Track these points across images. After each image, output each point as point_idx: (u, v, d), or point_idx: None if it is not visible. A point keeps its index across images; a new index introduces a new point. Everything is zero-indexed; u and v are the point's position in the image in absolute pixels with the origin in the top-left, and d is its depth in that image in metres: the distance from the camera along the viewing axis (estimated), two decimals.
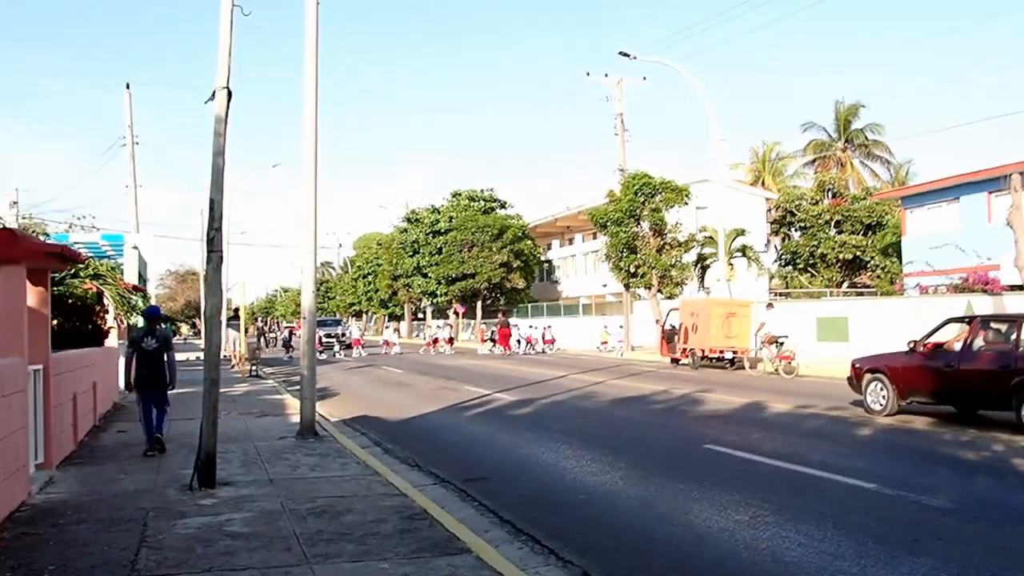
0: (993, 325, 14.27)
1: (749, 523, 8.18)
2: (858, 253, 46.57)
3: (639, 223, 40.17)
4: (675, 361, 32.56)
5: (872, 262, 46.71)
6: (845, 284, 48.10)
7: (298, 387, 24.42)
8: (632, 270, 40.11)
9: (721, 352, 29.52)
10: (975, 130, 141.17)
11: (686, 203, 40.15)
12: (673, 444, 13.24)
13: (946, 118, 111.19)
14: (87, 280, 18.13)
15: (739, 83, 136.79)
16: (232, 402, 20.19)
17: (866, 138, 67.66)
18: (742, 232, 44.67)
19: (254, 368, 29.70)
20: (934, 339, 15.30)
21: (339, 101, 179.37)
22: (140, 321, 22.73)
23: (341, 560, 7.01)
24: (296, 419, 15.82)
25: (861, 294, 42.83)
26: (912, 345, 15.06)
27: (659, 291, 40.48)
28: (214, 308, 10.11)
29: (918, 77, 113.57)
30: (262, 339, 55.27)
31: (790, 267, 51.60)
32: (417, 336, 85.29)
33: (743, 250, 45.01)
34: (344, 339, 54.50)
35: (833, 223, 47.99)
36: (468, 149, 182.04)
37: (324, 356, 45.17)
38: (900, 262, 42.54)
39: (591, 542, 7.80)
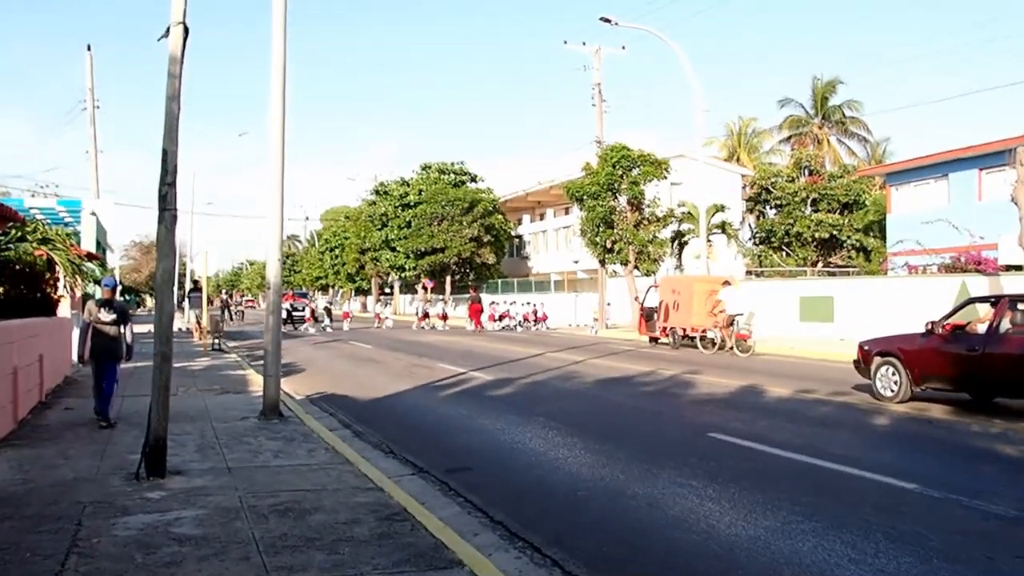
0: (1022, 306, 13.21)
1: (783, 531, 7.11)
2: (835, 232, 45.62)
3: (616, 197, 39.03)
4: (654, 340, 31.54)
5: (848, 241, 45.86)
6: (820, 264, 47.24)
7: (262, 362, 23.38)
8: (608, 246, 38.98)
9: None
10: (954, 109, 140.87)
11: (665, 177, 39.14)
12: (673, 432, 12.14)
13: (925, 94, 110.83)
14: (37, 246, 16.77)
15: (714, 57, 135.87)
16: (192, 377, 18.93)
17: (843, 115, 66.93)
18: (722, 208, 43.73)
19: (216, 342, 28.37)
20: (953, 320, 14.18)
21: (305, 72, 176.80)
22: (98, 291, 21.64)
23: (309, 574, 5.86)
24: (259, 397, 14.67)
25: (847, 273, 41.92)
26: (930, 327, 13.99)
27: (636, 268, 39.42)
28: (166, 274, 8.88)
29: (898, 52, 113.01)
30: (226, 312, 53.70)
31: (763, 245, 50.64)
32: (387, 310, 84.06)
33: (722, 227, 44.03)
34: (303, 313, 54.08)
35: (809, 201, 47.00)
36: (437, 123, 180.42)
37: (314, 330, 44.83)
38: (884, 241, 41.75)
39: (600, 552, 6.73)
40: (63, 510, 7.47)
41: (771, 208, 50.12)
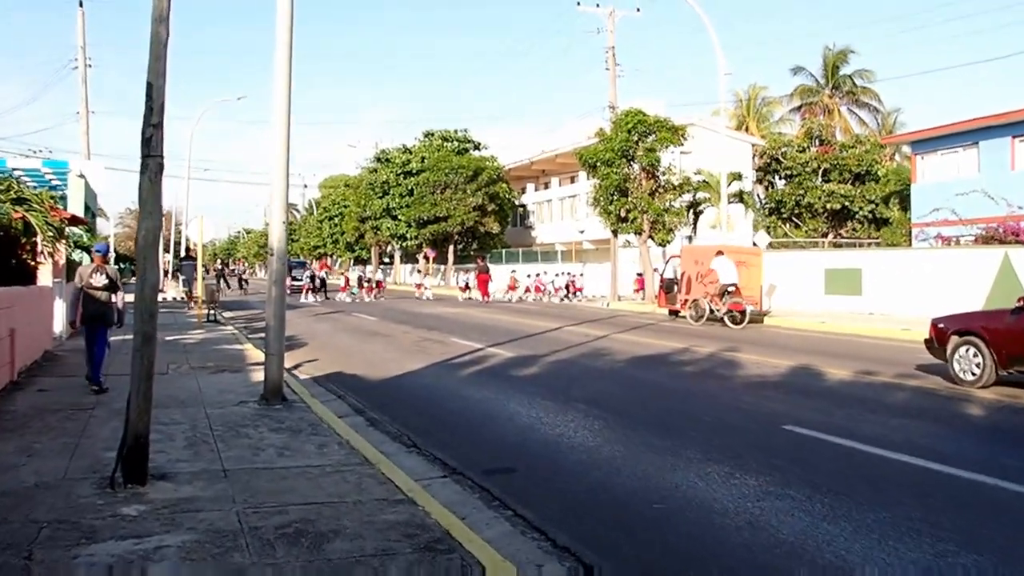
0: None
1: (940, 569, 5.49)
2: (847, 203, 43.96)
3: (631, 164, 37.24)
4: (673, 313, 29.90)
5: (861, 212, 44.21)
6: (830, 235, 45.55)
7: (261, 335, 21.63)
8: (623, 215, 37.25)
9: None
10: (965, 81, 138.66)
11: (682, 143, 37.28)
12: (739, 423, 10.47)
13: (936, 62, 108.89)
14: (12, 207, 15.09)
15: (723, 25, 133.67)
16: (184, 353, 17.26)
17: (854, 84, 65.34)
18: (739, 176, 42.04)
19: (212, 313, 26.69)
20: None
21: (301, 35, 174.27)
22: (86, 258, 20.04)
23: None
24: (259, 377, 13.11)
25: (866, 245, 40.26)
26: (1022, 302, 12.32)
27: (650, 238, 37.72)
28: (149, 235, 7.20)
29: (910, 21, 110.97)
30: (222, 281, 51.93)
31: (773, 216, 48.81)
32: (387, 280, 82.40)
33: (740, 195, 42.27)
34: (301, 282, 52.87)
35: (820, 172, 45.27)
36: (439, 91, 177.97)
37: (349, 299, 43.85)
38: (907, 212, 40.12)
39: None
40: (13, 533, 5.86)
41: (780, 179, 48.49)
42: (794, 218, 46.43)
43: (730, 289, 25.91)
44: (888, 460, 8.40)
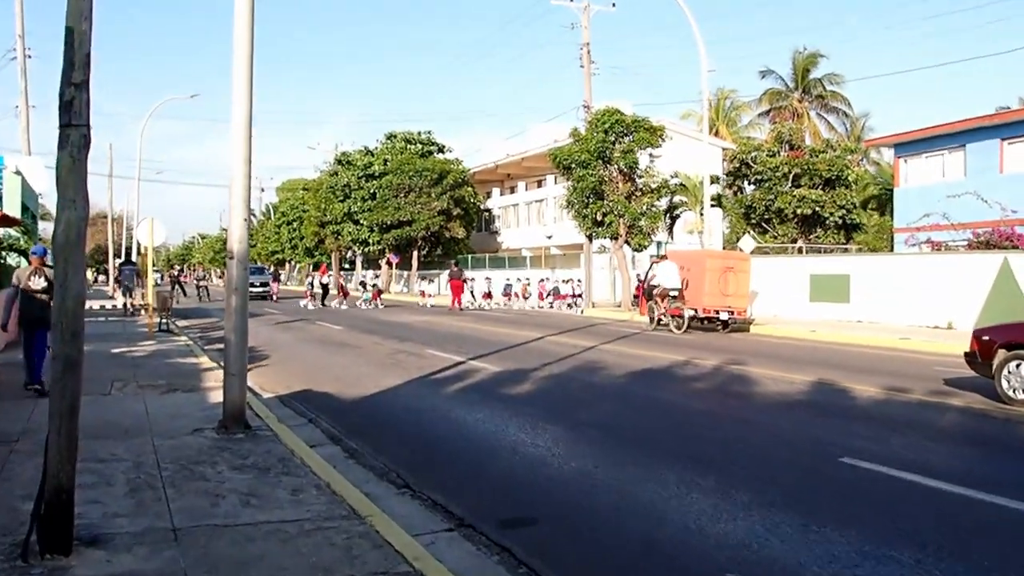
0: None
1: None
2: (817, 208, 42.74)
3: (607, 166, 35.77)
4: (657, 322, 28.44)
5: (832, 218, 43.02)
6: (800, 241, 44.32)
7: (218, 345, 19.87)
8: (599, 218, 35.75)
9: (716, 312, 25.45)
10: (934, 85, 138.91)
11: (660, 144, 35.86)
12: (787, 456, 8.93)
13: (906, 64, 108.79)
14: None
15: (686, 32, 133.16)
16: (132, 367, 15.45)
17: (824, 88, 64.69)
18: (717, 179, 40.77)
19: (165, 322, 24.79)
20: None
21: (260, 39, 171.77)
22: (23, 262, 18.39)
23: None
24: (216, 397, 11.43)
25: (859, 249, 39.10)
26: None
27: (626, 242, 36.27)
28: (72, 228, 5.53)
29: (879, 23, 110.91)
30: (177, 287, 49.80)
31: (743, 221, 47.39)
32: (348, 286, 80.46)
33: (718, 199, 40.95)
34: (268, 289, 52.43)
35: (791, 176, 44.03)
36: (399, 94, 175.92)
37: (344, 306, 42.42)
38: (885, 216, 39.07)
39: None
40: None
41: (750, 183, 47.24)
42: (763, 223, 45.23)
43: (673, 294, 25.85)
44: (983, 504, 6.97)
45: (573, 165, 36.08)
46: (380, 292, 45.93)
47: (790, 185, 43.44)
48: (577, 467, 8.40)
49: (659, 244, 41.44)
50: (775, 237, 43.18)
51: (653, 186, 36.58)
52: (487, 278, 48.11)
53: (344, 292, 46.15)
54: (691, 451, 9.07)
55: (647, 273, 29.55)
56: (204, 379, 14.07)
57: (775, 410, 11.63)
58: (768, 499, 7.07)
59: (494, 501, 7.31)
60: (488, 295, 45.98)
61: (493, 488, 7.80)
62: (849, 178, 43.82)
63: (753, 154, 45.41)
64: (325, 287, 45.68)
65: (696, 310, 25.74)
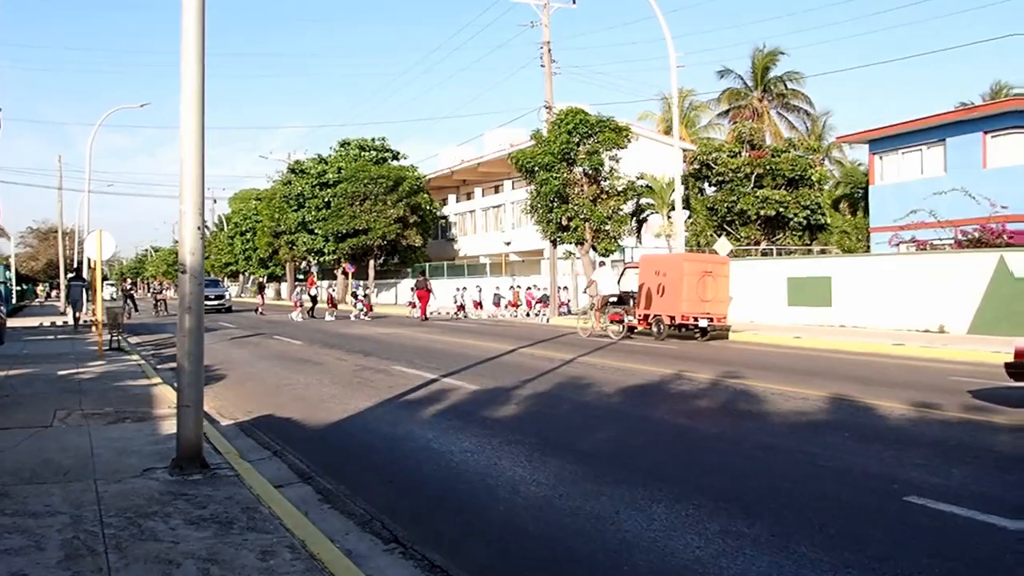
0: None
1: None
2: (781, 209, 41.94)
3: (571, 168, 34.69)
4: (629, 330, 27.41)
5: (796, 219, 42.24)
6: (763, 243, 43.51)
7: (172, 364, 18.51)
8: (564, 223, 34.64)
9: (695, 319, 24.44)
10: (897, 83, 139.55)
11: (626, 145, 34.89)
12: (840, 494, 7.75)
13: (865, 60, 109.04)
14: None
15: (647, 27, 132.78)
16: (77, 392, 14.04)
17: (785, 86, 64.16)
18: (685, 181, 39.82)
19: (116, 339, 23.30)
20: None
21: (209, 43, 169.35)
22: None
23: None
24: (170, 427, 10.21)
25: (805, 252, 38.31)
26: None
27: (592, 247, 35.21)
28: None
29: (837, 19, 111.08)
30: (128, 302, 47.92)
31: (711, 224, 46.48)
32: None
33: (687, 202, 40.02)
34: (225, 303, 51.72)
35: (753, 177, 43.21)
36: (348, 103, 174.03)
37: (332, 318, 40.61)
38: (865, 215, 38.38)
39: None
40: None
41: (711, 185, 46.40)
42: (726, 226, 44.41)
43: (612, 300, 26.56)
44: None
45: (536, 168, 35.03)
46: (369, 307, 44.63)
47: (752, 186, 42.69)
48: (594, 512, 7.24)
49: (609, 251, 40.60)
50: (738, 240, 42.33)
51: (619, 188, 35.57)
52: (478, 287, 46.67)
53: (333, 303, 44.64)
54: (722, 488, 7.94)
55: (619, 278, 28.57)
56: (156, 404, 12.74)
57: (800, 433, 10.51)
58: (844, 559, 5.94)
59: (505, 562, 6.15)
60: (478, 304, 44.79)
61: (499, 542, 6.64)
62: (813, 178, 43.18)
63: (714, 155, 44.55)
64: (314, 299, 44.26)
65: (674, 317, 24.75)
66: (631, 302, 27.18)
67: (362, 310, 42.03)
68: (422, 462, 9.33)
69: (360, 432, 11.16)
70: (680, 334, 25.43)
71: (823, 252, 38.06)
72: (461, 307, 43.96)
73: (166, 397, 13.32)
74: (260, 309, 51.02)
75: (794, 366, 17.73)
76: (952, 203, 27.84)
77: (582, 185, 34.97)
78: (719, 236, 41.94)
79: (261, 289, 55.30)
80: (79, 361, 19.40)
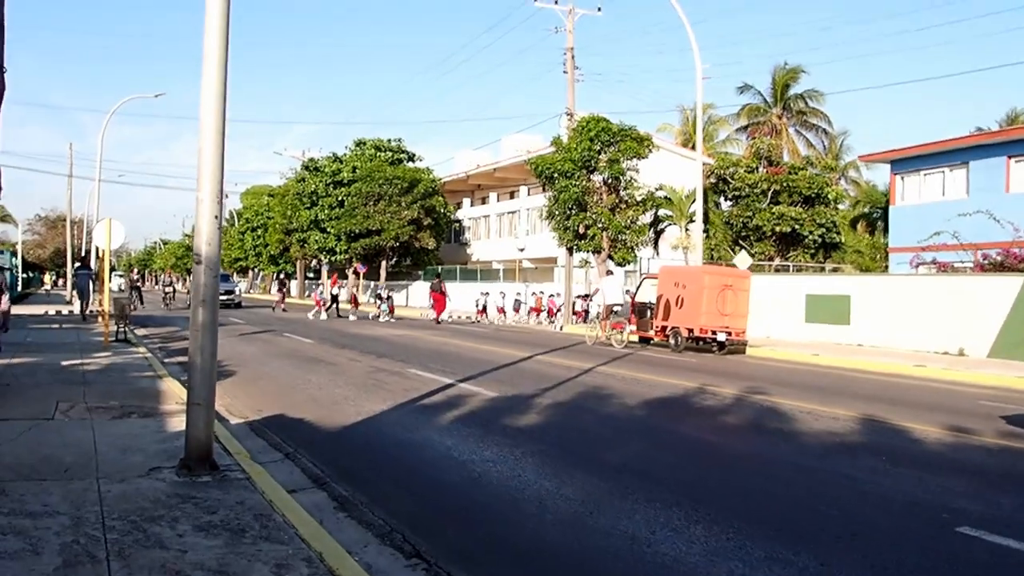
0: None
1: None
2: (796, 227, 41.48)
3: (591, 176, 34.24)
4: (645, 341, 26.96)
5: (811, 237, 41.75)
6: (777, 260, 43.02)
7: (179, 357, 18.11)
8: (581, 231, 34.17)
9: (713, 332, 23.95)
10: (915, 106, 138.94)
11: (647, 155, 34.42)
12: (883, 519, 7.30)
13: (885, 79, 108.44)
14: None
15: (668, 43, 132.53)
16: (81, 384, 13.58)
17: (805, 104, 63.62)
18: (713, 191, 39.56)
19: (122, 330, 22.88)
20: None
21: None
22: None
23: None
24: (177, 424, 9.78)
25: (833, 269, 37.82)
26: None
27: (609, 256, 34.73)
28: None
29: (860, 37, 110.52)
30: (134, 293, 47.37)
31: (729, 237, 45.98)
32: (308, 296, 78.43)
33: (706, 215, 39.53)
34: (235, 298, 50.72)
35: (769, 193, 42.77)
36: (370, 99, 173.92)
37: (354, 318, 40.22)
38: (883, 235, 37.89)
39: None
40: None
41: (727, 200, 45.95)
42: (740, 241, 43.95)
43: (615, 309, 26.64)
44: None
45: (555, 175, 34.54)
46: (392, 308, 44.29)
47: (768, 202, 42.27)
48: (629, 532, 6.76)
49: (607, 261, 40.12)
50: (752, 255, 41.86)
51: (639, 198, 35.08)
52: (501, 292, 46.02)
53: (356, 303, 44.00)
54: (762, 511, 7.46)
55: (636, 289, 28.13)
56: (164, 400, 12.28)
57: (836, 455, 10.01)
58: None
59: None
60: (501, 310, 44.21)
61: (530, 562, 6.19)
62: (829, 196, 42.77)
63: (731, 170, 44.17)
64: (335, 297, 43.63)
65: (692, 329, 24.26)
66: (648, 313, 26.72)
67: (386, 311, 41.45)
68: (442, 470, 8.87)
69: (376, 436, 10.69)
70: (697, 347, 24.95)
71: (835, 271, 37.47)
72: (483, 311, 43.33)
73: (174, 392, 12.89)
74: (282, 306, 49.87)
75: (817, 384, 17.22)
76: (974, 226, 27.36)
77: (601, 194, 34.51)
78: (734, 250, 41.57)
79: (282, 286, 53.52)
80: (84, 352, 18.96)
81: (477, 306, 43.81)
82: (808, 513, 7.41)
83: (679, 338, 24.59)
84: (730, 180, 43.75)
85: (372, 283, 63.81)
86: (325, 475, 8.58)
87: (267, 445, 9.97)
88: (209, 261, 7.99)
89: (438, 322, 38.73)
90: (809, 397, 14.68)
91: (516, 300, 45.42)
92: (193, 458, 7.94)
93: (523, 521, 7.13)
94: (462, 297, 47.15)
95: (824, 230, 41.58)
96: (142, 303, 48.84)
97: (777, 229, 41.51)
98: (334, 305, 43.01)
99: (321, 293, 43.34)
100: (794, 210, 41.72)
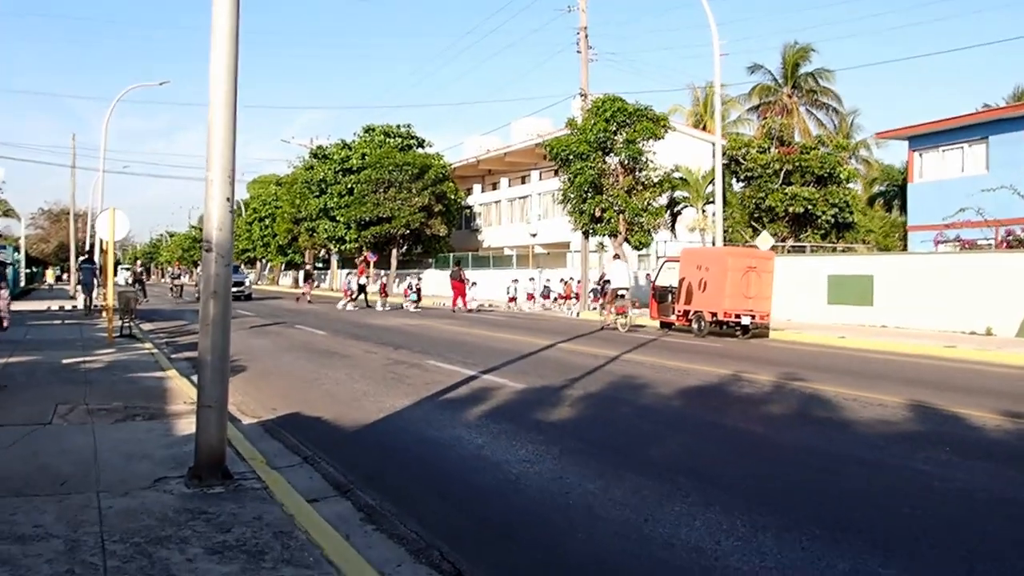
0: None
1: None
2: (809, 207, 40.62)
3: (607, 157, 33.42)
4: (667, 326, 26.20)
5: (824, 217, 40.86)
6: (790, 241, 42.13)
7: (188, 354, 17.41)
8: (597, 214, 33.35)
9: (737, 316, 23.17)
10: (923, 82, 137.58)
11: (663, 136, 33.58)
12: (980, 523, 6.52)
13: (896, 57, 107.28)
14: None
15: (679, 24, 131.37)
16: (84, 384, 12.83)
17: (816, 82, 62.72)
18: (735, 171, 38.78)
19: (127, 325, 22.17)
20: None
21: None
22: None
23: None
24: (185, 427, 9.09)
25: (839, 249, 36.98)
26: None
27: (626, 240, 33.94)
28: None
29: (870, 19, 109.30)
30: (137, 286, 46.45)
31: (745, 218, 45.01)
32: (318, 286, 77.79)
33: (725, 196, 38.74)
34: (245, 290, 50.01)
35: (782, 174, 41.89)
36: (379, 86, 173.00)
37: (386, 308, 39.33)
38: (901, 213, 37.13)
39: None
40: None
41: (738, 180, 45.08)
42: (753, 222, 43.09)
43: (620, 293, 25.86)
44: None
45: (570, 156, 33.69)
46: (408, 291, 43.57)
47: (781, 182, 41.47)
48: (691, 543, 6.02)
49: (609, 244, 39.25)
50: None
51: (655, 179, 34.24)
52: (531, 279, 44.71)
53: (385, 292, 43.13)
54: (834, 514, 6.69)
55: (657, 273, 27.38)
56: (170, 400, 11.53)
57: (896, 447, 9.23)
58: None
59: None
60: (531, 296, 43.12)
61: None
62: (841, 175, 42.00)
63: (743, 150, 43.22)
64: (363, 287, 42.63)
65: (715, 313, 23.48)
66: (669, 297, 25.95)
67: (415, 299, 40.64)
68: (475, 473, 8.14)
69: (401, 435, 9.94)
70: (720, 332, 24.18)
71: (847, 250, 36.64)
72: (513, 299, 42.26)
73: (181, 391, 12.16)
74: (307, 297, 48.60)
75: (852, 368, 16.45)
76: (996, 202, 26.65)
77: (617, 175, 33.67)
78: (747, 233, 40.73)
79: (308, 277, 52.32)
80: (86, 349, 18.21)
81: (508, 293, 42.65)
82: (885, 514, 6.64)
83: (702, 322, 23.81)
84: (742, 161, 42.84)
85: (383, 272, 63.02)
86: (348, 481, 7.86)
87: (283, 448, 9.25)
88: (221, 249, 7.24)
89: (454, 310, 37.97)
90: (849, 383, 13.90)
91: (545, 287, 44.24)
92: (204, 466, 7.20)
93: (572, 530, 6.38)
94: (495, 285, 46.19)
95: (837, 210, 40.82)
96: (145, 296, 48.01)
97: (790, 210, 40.70)
98: (362, 295, 42.05)
99: (349, 283, 42.41)
100: (807, 190, 40.91)
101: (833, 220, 40.98)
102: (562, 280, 43.10)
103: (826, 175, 41.77)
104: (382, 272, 57.21)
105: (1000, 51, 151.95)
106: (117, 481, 7.19)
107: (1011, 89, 54.93)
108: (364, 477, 7.94)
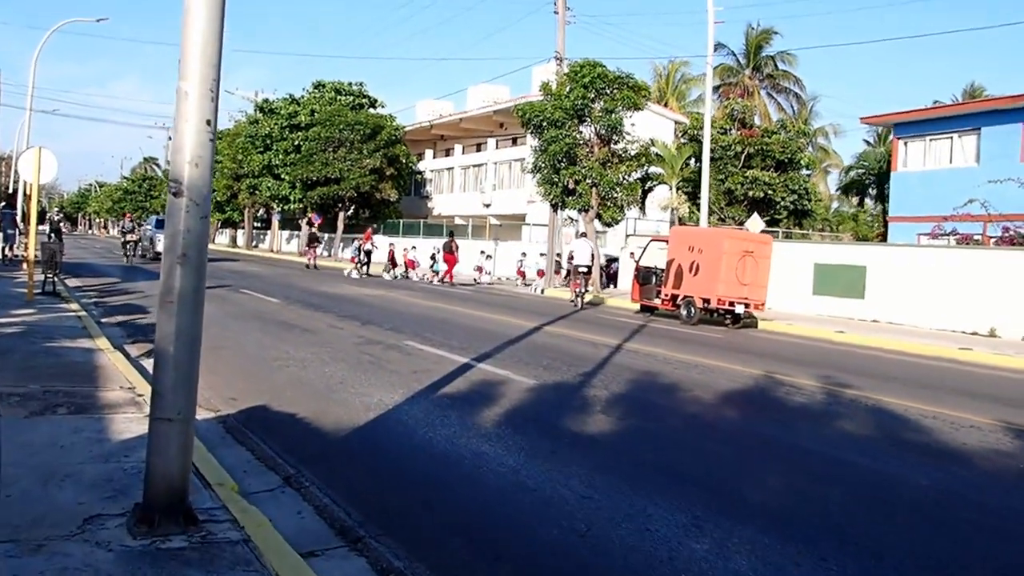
0: None
1: None
2: (769, 192, 39.33)
3: (582, 126, 31.31)
4: (648, 310, 24.25)
5: (783, 203, 39.55)
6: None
7: (120, 318, 15.07)
8: (571, 186, 31.20)
9: (731, 304, 21.26)
10: (887, 69, 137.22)
11: (643, 106, 31.55)
12: None
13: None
14: None
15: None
16: None
17: (775, 67, 61.46)
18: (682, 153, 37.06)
19: (50, 281, 19.53)
20: None
21: None
22: None
23: None
24: (126, 426, 6.92)
25: (803, 237, 35.50)
26: None
27: (598, 216, 31.91)
28: None
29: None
30: (54, 236, 42.09)
31: (688, 201, 43.12)
32: (256, 246, 74.79)
33: (698, 174, 36.93)
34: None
35: (742, 156, 40.39)
36: (326, 41, 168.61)
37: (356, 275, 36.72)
38: (878, 202, 35.78)
39: None
40: None
41: (697, 161, 43.31)
42: (710, 204, 41.30)
43: (582, 270, 26.04)
44: None
45: (544, 123, 31.43)
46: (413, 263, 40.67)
47: (742, 165, 40.13)
48: None
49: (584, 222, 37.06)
50: (723, 220, 39.64)
51: (632, 153, 32.19)
52: (523, 252, 41.27)
53: (394, 262, 40.13)
54: None
55: (641, 253, 25.36)
56: (103, 382, 9.15)
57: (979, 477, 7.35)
58: None
59: None
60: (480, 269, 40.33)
61: None
62: (801, 161, 41.01)
63: (703, 130, 41.50)
64: (369, 254, 39.24)
65: (708, 300, 21.54)
66: (654, 280, 23.97)
67: (438, 271, 37.68)
68: (526, 514, 5.98)
69: (407, 447, 7.74)
70: (709, 319, 22.30)
71: (804, 237, 35.39)
72: (522, 273, 39.44)
73: (116, 370, 9.82)
74: (312, 262, 44.23)
75: (890, 373, 14.58)
76: (991, 196, 25.32)
77: (592, 146, 31.53)
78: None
79: (312, 240, 46.80)
80: (1, 307, 15.65)
81: (519, 266, 39.61)
82: None
83: (692, 308, 21.83)
84: (702, 141, 41.02)
85: (326, 235, 60.28)
86: (352, 519, 5.69)
87: (255, 460, 7.04)
88: (195, 193, 4.98)
89: (441, 282, 35.54)
90: (907, 393, 11.96)
91: (519, 261, 41.20)
92: (158, 506, 4.93)
93: None
94: (423, 253, 43.44)
95: (796, 196, 39.86)
96: (63, 253, 44.00)
97: (750, 194, 39.44)
98: (367, 262, 38.83)
99: (356, 250, 39.33)
100: (767, 175, 39.82)
101: (792, 206, 40.01)
102: (523, 254, 40.53)
103: (786, 160, 40.67)
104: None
105: (955, 47, 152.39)
106: (27, 520, 4.93)
107: (962, 86, 54.27)
108: (375, 513, 5.82)
